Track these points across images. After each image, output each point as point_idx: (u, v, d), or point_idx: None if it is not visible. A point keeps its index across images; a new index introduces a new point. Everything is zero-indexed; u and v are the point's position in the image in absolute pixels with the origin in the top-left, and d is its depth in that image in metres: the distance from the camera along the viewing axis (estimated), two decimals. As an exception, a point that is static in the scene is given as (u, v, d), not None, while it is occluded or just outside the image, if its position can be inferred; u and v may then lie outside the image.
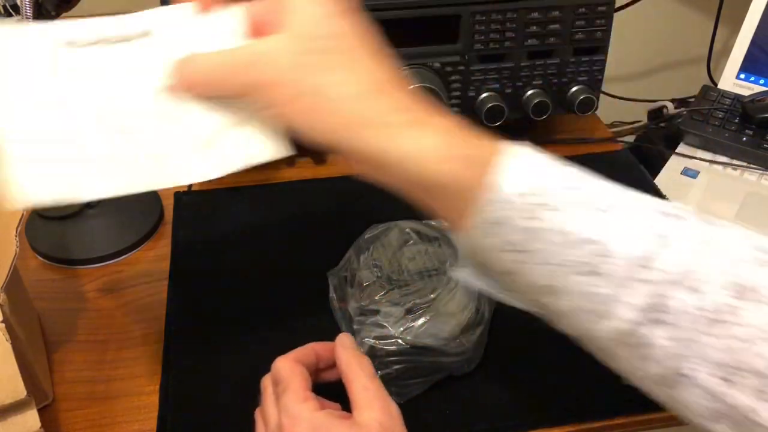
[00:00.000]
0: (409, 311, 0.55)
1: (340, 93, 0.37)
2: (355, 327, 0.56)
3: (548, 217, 0.36)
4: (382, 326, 0.54)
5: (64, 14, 0.62)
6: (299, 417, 0.43)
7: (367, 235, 0.62)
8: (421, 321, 0.54)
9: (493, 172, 0.36)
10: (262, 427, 0.47)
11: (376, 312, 0.55)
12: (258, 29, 0.40)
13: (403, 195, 0.39)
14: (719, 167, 0.80)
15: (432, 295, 0.55)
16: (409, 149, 0.37)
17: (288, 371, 0.46)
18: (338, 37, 0.38)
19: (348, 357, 0.47)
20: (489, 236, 0.37)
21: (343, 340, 0.49)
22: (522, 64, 0.78)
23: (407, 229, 0.61)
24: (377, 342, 0.54)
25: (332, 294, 0.61)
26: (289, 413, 0.44)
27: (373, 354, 0.53)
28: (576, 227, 0.36)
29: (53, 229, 0.71)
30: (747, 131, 0.81)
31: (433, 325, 0.54)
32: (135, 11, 0.43)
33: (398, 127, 0.37)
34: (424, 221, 0.62)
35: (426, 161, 0.37)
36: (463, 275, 0.41)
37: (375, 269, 0.58)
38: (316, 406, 0.44)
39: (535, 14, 0.75)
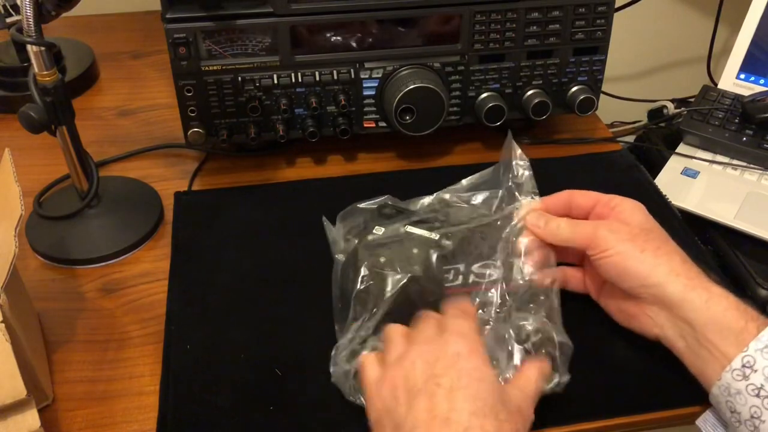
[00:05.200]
0: None
1: (666, 264, 0.54)
2: None
3: None
4: None
5: (63, 14, 0.62)
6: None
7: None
8: None
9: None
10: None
11: None
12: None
13: (676, 333, 0.53)
14: (719, 167, 0.80)
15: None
16: (708, 298, 0.51)
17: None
18: (653, 230, 0.57)
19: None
20: (743, 379, 0.48)
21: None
22: (522, 64, 0.78)
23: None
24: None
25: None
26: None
27: None
28: None
29: (53, 229, 0.71)
30: (747, 131, 0.80)
31: None
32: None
33: (701, 281, 0.53)
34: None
35: (717, 308, 0.51)
36: None
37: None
38: None
39: (535, 14, 0.75)
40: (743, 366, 0.48)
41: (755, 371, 0.48)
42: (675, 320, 0.53)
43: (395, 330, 0.53)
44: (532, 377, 0.51)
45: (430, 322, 0.52)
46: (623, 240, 0.55)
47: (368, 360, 0.52)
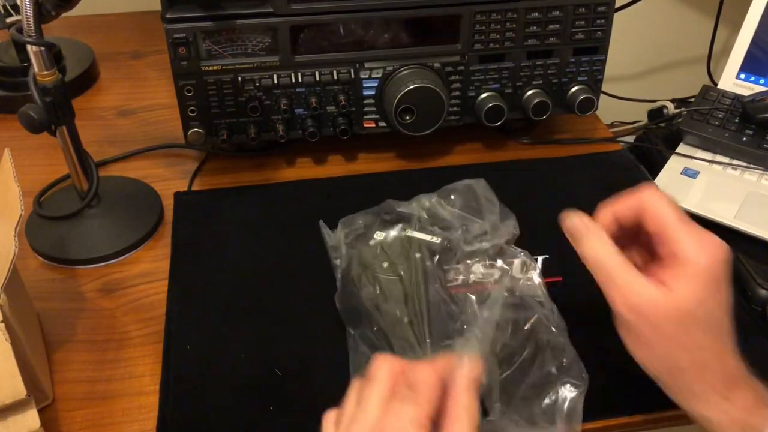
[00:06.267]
0: None
1: (691, 365, 0.48)
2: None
3: None
4: None
5: (63, 14, 0.62)
6: None
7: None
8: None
9: None
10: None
11: None
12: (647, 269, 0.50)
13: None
14: (719, 167, 0.80)
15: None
16: (714, 416, 0.48)
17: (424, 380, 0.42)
18: (693, 329, 0.47)
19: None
20: None
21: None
22: (522, 64, 0.78)
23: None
24: None
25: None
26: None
27: None
28: None
29: (53, 229, 0.71)
30: (747, 131, 0.80)
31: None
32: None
33: (718, 398, 0.48)
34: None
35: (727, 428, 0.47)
36: None
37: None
38: None
39: (535, 14, 0.75)
40: None
41: None
42: None
43: (353, 386, 0.44)
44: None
45: (377, 400, 0.42)
46: (644, 344, 0.49)
47: (328, 420, 0.44)
